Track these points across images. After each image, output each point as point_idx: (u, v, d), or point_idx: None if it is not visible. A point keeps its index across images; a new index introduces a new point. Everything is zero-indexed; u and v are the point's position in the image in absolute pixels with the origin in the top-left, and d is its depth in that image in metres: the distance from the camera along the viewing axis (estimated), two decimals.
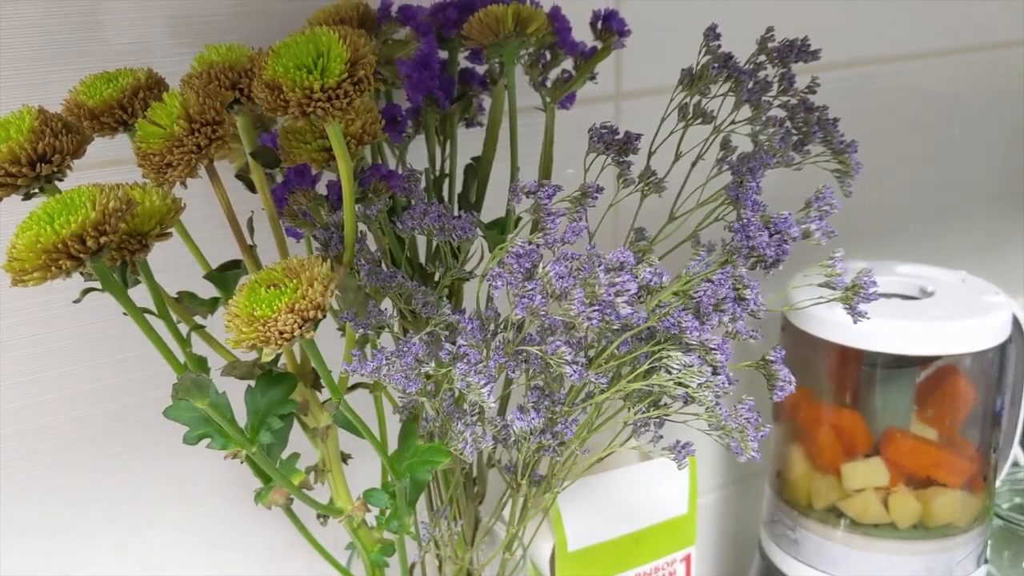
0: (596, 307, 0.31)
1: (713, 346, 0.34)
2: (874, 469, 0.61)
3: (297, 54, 0.33)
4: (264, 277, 0.32)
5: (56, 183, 0.34)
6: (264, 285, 0.32)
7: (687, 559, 0.61)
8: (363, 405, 0.42)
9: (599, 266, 0.31)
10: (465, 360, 0.35)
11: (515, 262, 0.32)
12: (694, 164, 0.45)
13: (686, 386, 0.34)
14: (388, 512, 0.42)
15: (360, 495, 0.43)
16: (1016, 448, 0.69)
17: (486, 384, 0.35)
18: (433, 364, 0.36)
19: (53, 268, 0.30)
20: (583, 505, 0.56)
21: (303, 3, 0.53)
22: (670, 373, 0.34)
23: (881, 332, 0.57)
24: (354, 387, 0.44)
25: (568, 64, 0.49)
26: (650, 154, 0.43)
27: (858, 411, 0.62)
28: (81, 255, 0.30)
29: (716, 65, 0.41)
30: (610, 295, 0.31)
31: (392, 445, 0.44)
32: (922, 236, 0.85)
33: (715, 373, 0.34)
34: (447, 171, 0.50)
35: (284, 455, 0.43)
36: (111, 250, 0.31)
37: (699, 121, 0.43)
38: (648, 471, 0.59)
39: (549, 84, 0.48)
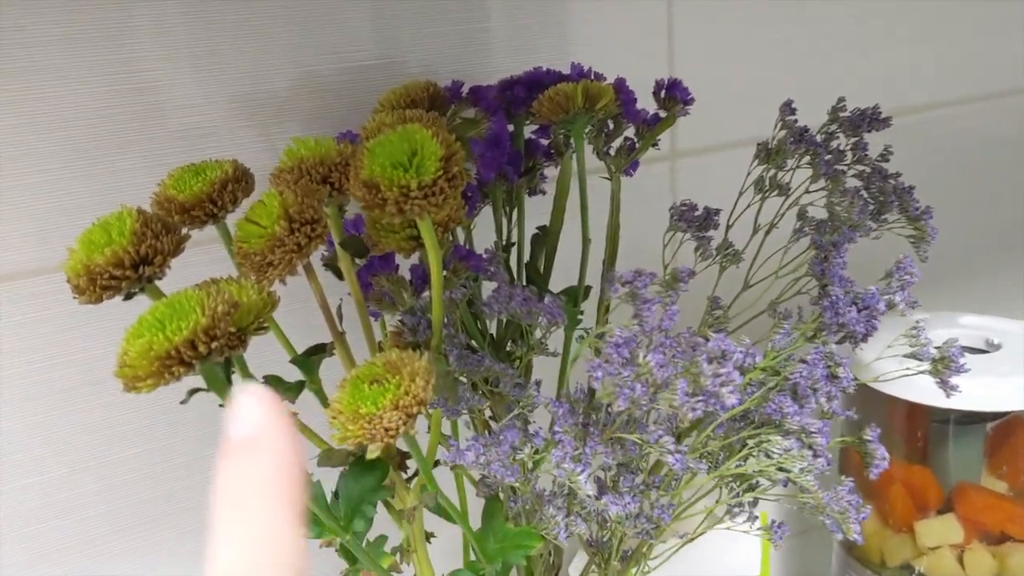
0: (700, 398, 0.31)
1: (814, 430, 0.34)
2: (948, 526, 0.60)
3: (392, 152, 0.33)
4: (366, 373, 0.33)
5: (156, 282, 0.35)
6: (367, 381, 0.32)
7: None
8: (443, 481, 0.42)
9: (701, 355, 0.31)
10: (560, 447, 0.35)
11: (615, 352, 0.32)
12: (767, 233, 0.45)
13: (787, 471, 0.34)
14: None
15: (444, 575, 0.43)
16: None
17: (583, 471, 0.35)
18: (527, 450, 0.36)
19: (166, 374, 0.30)
20: (657, 574, 0.56)
21: (359, 76, 0.53)
22: (770, 457, 0.34)
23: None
24: (435, 464, 0.44)
25: (630, 131, 0.49)
26: (728, 228, 0.43)
27: (928, 467, 0.61)
28: (193, 360, 0.30)
29: (793, 140, 0.41)
30: (715, 386, 0.31)
31: (473, 520, 0.44)
32: (979, 282, 0.84)
33: (816, 456, 0.34)
34: (514, 240, 0.51)
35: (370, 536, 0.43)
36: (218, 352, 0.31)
37: (775, 193, 0.43)
38: (720, 536, 0.58)
39: (613, 153, 0.49)
